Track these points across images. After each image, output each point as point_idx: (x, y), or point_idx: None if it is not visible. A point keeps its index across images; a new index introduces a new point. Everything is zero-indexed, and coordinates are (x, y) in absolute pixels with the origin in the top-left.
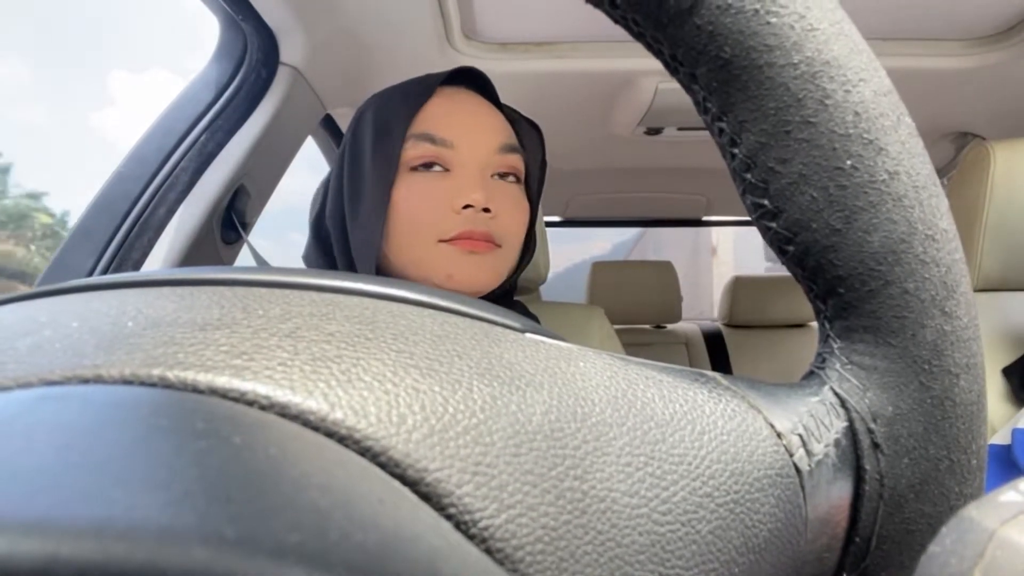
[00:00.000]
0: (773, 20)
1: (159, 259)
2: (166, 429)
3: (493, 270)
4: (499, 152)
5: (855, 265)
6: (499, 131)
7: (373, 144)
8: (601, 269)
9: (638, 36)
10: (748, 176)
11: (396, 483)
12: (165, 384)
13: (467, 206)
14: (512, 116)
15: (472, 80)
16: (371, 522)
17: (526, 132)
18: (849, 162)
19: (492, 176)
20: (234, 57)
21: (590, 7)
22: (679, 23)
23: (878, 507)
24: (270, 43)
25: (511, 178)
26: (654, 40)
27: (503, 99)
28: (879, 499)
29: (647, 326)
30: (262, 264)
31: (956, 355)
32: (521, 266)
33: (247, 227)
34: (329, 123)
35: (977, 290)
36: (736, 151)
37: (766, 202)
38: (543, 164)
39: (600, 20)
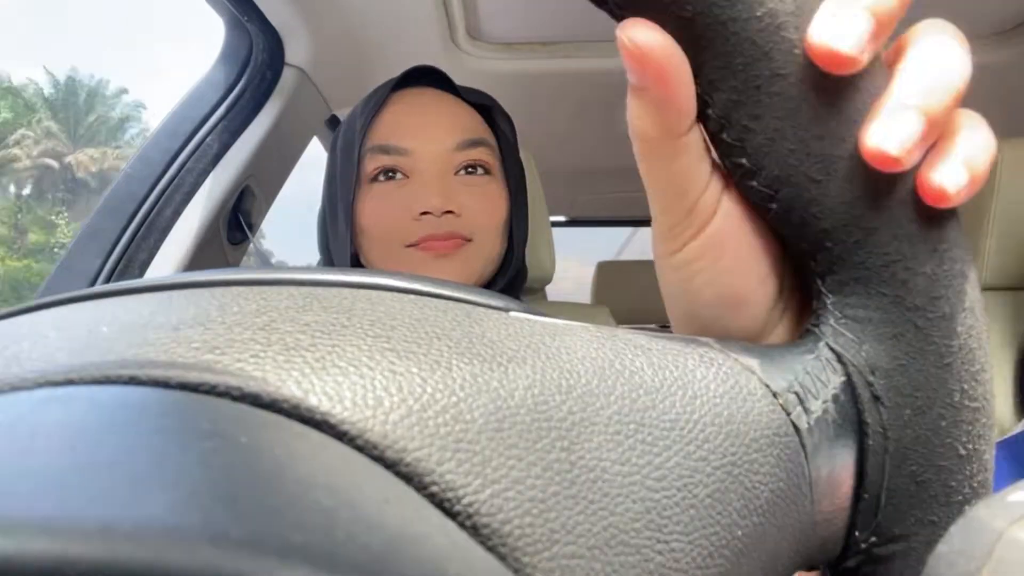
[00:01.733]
0: None
1: (165, 260)
2: (172, 429)
3: (463, 267)
4: (458, 149)
5: (840, 216)
6: (457, 128)
7: (339, 162)
8: (607, 268)
9: (600, 4)
10: (724, 137)
11: (400, 482)
12: (136, 382)
13: (426, 212)
14: (485, 104)
15: (431, 77)
16: (377, 522)
17: (503, 120)
18: (824, 110)
19: (458, 173)
20: (239, 58)
21: (594, 7)
22: None
23: (884, 461)
24: (275, 44)
25: (479, 171)
26: (616, 7)
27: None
28: (884, 453)
29: (653, 326)
30: (267, 265)
31: (952, 299)
32: (511, 260)
33: (253, 228)
34: (334, 124)
35: (984, 288)
36: (709, 112)
37: (744, 161)
38: (516, 151)
39: (604, 19)
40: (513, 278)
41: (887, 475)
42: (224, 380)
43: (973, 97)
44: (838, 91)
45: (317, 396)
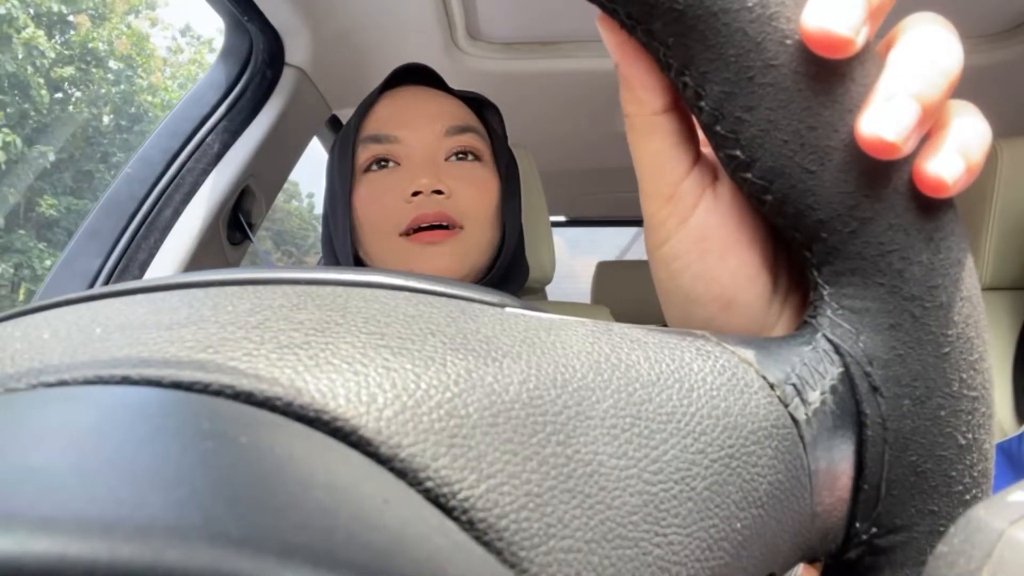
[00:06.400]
0: None
1: (165, 260)
2: (172, 429)
3: (453, 255)
4: (447, 134)
5: (835, 206)
6: (446, 115)
7: (337, 158)
8: (607, 268)
9: (595, 0)
10: (718, 128)
11: (401, 482)
12: (129, 382)
13: (416, 192)
14: (474, 99)
15: (422, 76)
16: (377, 522)
17: (491, 113)
18: (817, 100)
19: (448, 159)
20: (240, 58)
21: (594, 7)
22: None
23: (883, 452)
24: (275, 44)
25: (470, 157)
26: (608, 0)
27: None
28: (884, 443)
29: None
30: (268, 265)
31: (949, 287)
32: (504, 253)
33: (253, 228)
34: (335, 124)
35: (984, 288)
36: (702, 104)
37: (738, 153)
38: (505, 142)
39: None
40: (508, 270)
41: (887, 466)
42: (216, 378)
43: (973, 97)
44: (831, 80)
45: (310, 393)
